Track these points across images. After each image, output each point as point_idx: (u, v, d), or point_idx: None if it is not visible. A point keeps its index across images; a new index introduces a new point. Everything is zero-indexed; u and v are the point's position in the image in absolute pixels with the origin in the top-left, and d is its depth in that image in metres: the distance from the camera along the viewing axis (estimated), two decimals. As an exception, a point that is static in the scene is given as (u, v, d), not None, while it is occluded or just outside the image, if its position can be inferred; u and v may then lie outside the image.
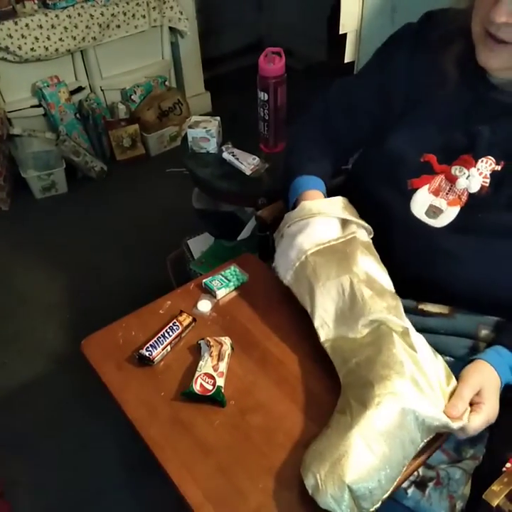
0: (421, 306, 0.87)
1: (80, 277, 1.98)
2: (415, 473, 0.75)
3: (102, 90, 2.53)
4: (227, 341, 0.87)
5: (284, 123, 1.43)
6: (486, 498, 0.70)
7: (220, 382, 0.80)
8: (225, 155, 1.46)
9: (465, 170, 0.83)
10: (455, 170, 0.84)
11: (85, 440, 1.46)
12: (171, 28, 2.58)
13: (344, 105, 1.00)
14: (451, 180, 0.84)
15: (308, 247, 0.85)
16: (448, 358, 0.84)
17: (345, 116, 1.00)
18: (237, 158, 1.44)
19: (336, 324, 0.81)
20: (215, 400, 0.79)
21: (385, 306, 0.77)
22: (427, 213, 0.84)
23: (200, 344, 0.87)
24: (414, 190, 0.86)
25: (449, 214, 0.83)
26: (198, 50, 2.79)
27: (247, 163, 1.42)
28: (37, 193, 2.37)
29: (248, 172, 1.41)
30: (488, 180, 0.81)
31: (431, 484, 0.77)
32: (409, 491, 0.77)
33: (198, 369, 0.82)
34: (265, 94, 1.36)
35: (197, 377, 0.81)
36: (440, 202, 0.84)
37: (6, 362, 1.68)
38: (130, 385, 0.83)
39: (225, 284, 0.98)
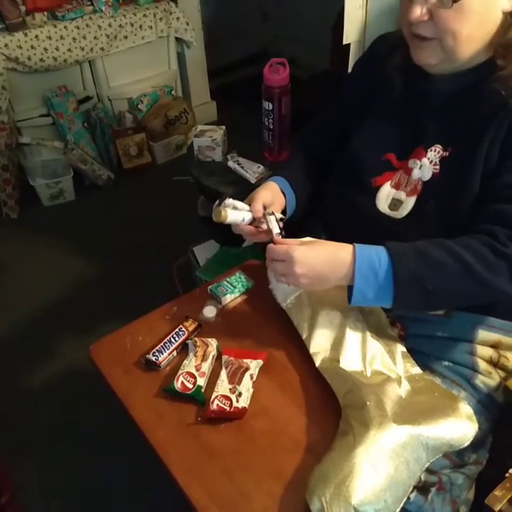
0: None
1: (88, 284, 2.00)
2: (418, 478, 0.75)
3: (109, 100, 2.56)
4: (213, 343, 0.88)
5: (288, 132, 1.45)
6: (488, 502, 0.71)
7: (201, 382, 0.82)
8: (230, 163, 1.48)
9: (418, 161, 0.87)
10: (411, 163, 0.88)
11: (93, 445, 1.47)
12: (177, 39, 2.61)
13: (324, 131, 1.10)
14: (408, 173, 0.89)
15: None
16: (447, 362, 0.85)
17: (326, 139, 1.09)
18: (242, 167, 1.46)
19: (333, 352, 0.83)
20: (194, 398, 0.81)
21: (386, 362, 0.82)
22: (390, 207, 0.89)
23: (187, 344, 0.89)
24: (379, 187, 0.91)
25: (407, 204, 0.87)
26: (204, 60, 2.82)
27: (252, 171, 1.44)
28: (45, 201, 2.40)
29: (253, 180, 1.43)
30: (438, 167, 0.85)
31: (433, 489, 0.77)
32: (412, 496, 0.77)
33: (181, 367, 0.84)
34: (270, 104, 1.38)
35: (179, 376, 0.82)
36: (400, 194, 0.89)
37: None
38: (137, 389, 0.85)
39: (230, 290, 0.99)
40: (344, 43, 1.63)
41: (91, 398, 1.46)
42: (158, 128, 2.58)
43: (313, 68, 2.99)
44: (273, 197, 0.96)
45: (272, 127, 1.42)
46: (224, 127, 1.56)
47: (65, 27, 2.22)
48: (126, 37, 2.41)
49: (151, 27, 2.45)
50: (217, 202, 0.91)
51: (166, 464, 0.75)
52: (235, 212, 0.88)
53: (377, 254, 0.76)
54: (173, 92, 2.72)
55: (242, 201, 0.92)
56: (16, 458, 1.42)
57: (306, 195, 1.05)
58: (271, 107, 1.38)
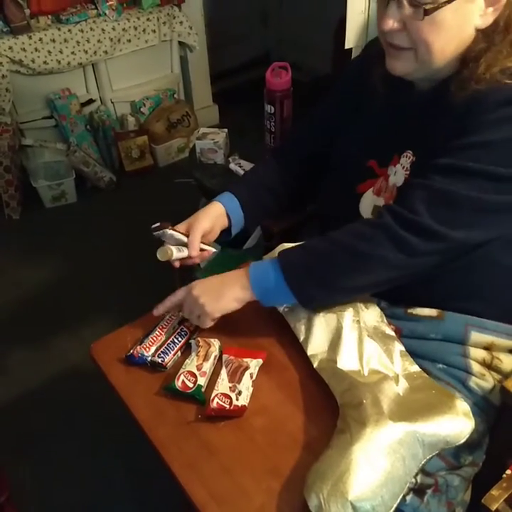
0: (410, 310, 0.89)
1: (89, 285, 2.01)
2: (413, 480, 0.76)
3: (112, 102, 2.58)
4: (216, 343, 0.89)
5: (289, 135, 1.46)
6: (485, 502, 0.71)
7: (201, 381, 0.83)
8: (232, 166, 1.49)
9: (393, 168, 0.89)
10: (389, 170, 0.90)
11: (92, 445, 1.47)
12: (180, 43, 2.63)
13: (311, 129, 1.09)
14: (387, 179, 0.90)
15: None
16: (440, 365, 0.85)
17: (314, 138, 1.07)
18: (244, 170, 1.47)
19: (330, 353, 0.84)
20: (195, 397, 0.81)
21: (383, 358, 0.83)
22: (372, 213, 0.91)
23: (190, 343, 0.90)
24: (362, 194, 0.93)
25: None
26: (207, 63, 2.84)
27: (254, 174, 1.45)
28: (47, 203, 2.41)
29: (254, 182, 1.44)
30: (408, 173, 0.87)
31: (429, 491, 0.77)
32: (408, 498, 0.77)
33: (183, 366, 0.85)
34: (272, 107, 1.39)
35: (180, 375, 0.83)
36: (380, 201, 0.90)
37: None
38: (138, 388, 0.85)
39: (230, 291, 1.00)
40: (346, 47, 1.65)
41: (91, 399, 1.47)
42: (161, 131, 2.60)
43: (315, 72, 3.02)
44: (213, 224, 0.99)
45: (273, 130, 1.43)
46: (226, 130, 1.57)
47: (69, 30, 2.25)
48: (129, 40, 2.43)
49: (154, 31, 2.47)
50: (157, 228, 0.95)
51: (166, 461, 0.75)
52: (178, 250, 0.95)
53: (267, 261, 0.85)
54: (175, 96, 2.74)
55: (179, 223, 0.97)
56: (14, 457, 1.43)
57: (261, 210, 1.06)
58: (273, 110, 1.40)
